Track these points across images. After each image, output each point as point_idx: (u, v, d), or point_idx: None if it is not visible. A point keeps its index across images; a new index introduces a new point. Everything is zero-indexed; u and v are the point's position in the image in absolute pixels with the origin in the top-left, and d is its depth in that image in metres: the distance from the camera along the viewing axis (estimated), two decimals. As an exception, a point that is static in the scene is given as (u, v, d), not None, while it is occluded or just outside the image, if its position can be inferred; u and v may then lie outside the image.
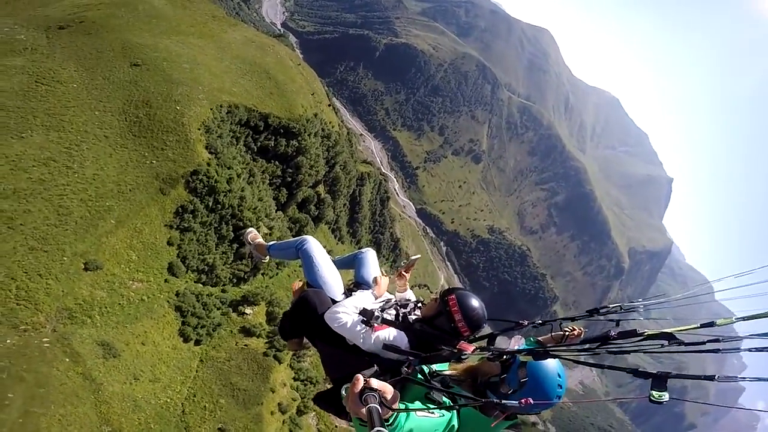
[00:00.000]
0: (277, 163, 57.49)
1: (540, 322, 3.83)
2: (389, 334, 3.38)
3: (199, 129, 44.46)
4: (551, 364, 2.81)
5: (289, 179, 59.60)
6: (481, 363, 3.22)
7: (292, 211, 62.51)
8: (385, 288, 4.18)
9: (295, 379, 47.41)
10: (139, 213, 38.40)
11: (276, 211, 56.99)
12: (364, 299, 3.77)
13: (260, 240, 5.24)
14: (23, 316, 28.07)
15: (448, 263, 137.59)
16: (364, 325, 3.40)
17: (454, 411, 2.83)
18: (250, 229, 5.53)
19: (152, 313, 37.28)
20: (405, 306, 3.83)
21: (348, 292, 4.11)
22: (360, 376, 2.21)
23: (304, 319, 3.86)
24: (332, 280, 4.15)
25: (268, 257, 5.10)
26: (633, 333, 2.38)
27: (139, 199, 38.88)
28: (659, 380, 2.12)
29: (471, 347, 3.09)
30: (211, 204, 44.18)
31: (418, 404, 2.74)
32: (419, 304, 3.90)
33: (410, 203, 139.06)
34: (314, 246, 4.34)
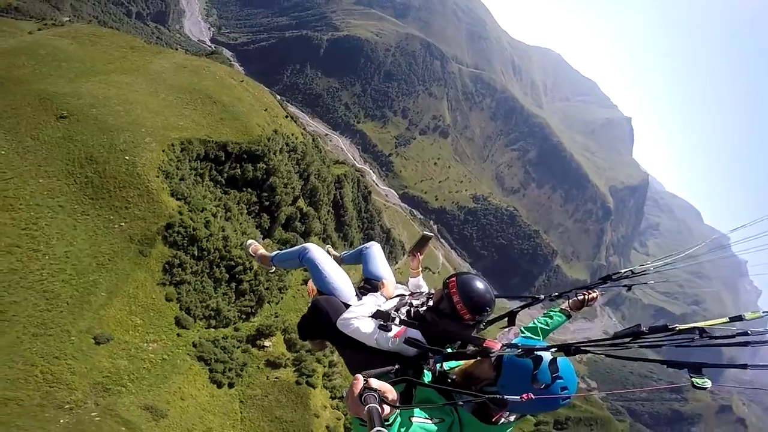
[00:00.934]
0: (249, 190, 53.06)
1: (556, 294, 3.84)
2: (407, 332, 3.22)
3: (158, 176, 39.80)
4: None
5: (267, 203, 55.27)
6: (475, 366, 2.90)
7: (278, 233, 58.29)
8: (393, 288, 4.00)
9: (332, 398, 45.31)
10: (127, 280, 35.29)
11: (264, 239, 52.76)
12: (374, 302, 3.65)
13: (262, 251, 5.17)
14: (61, 396, 27.83)
15: (443, 240, 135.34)
16: (379, 329, 3.25)
17: (456, 418, 2.65)
18: (250, 241, 5.37)
19: (178, 369, 35.64)
20: (417, 298, 3.76)
21: (359, 294, 4.02)
22: (360, 376, 2.13)
23: (319, 326, 3.74)
24: (342, 284, 3.99)
25: (273, 267, 5.02)
26: (664, 328, 2.34)
27: (122, 267, 35.46)
28: (694, 368, 2.09)
29: (498, 344, 2.81)
30: (196, 253, 40.26)
31: (417, 409, 2.52)
32: (430, 296, 3.72)
33: (392, 191, 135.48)
34: (317, 253, 4.19)
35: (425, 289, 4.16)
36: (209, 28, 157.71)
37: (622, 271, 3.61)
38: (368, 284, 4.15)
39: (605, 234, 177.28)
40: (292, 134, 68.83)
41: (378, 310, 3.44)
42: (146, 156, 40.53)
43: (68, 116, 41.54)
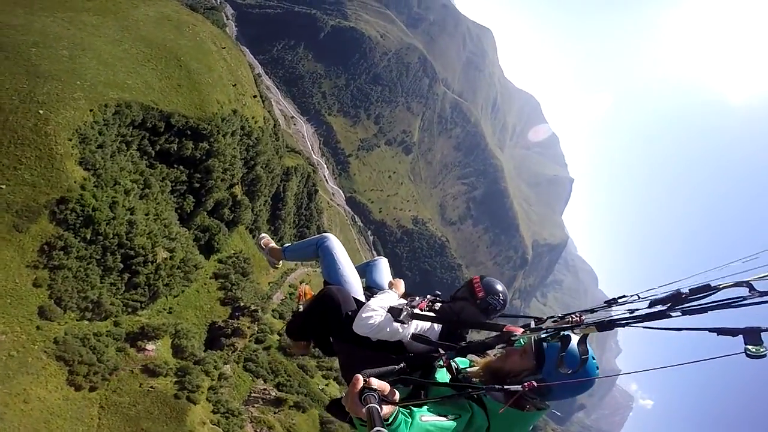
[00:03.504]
0: (181, 168, 47.83)
1: (560, 316, 3.18)
2: (423, 326, 3.15)
3: (70, 139, 34.17)
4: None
5: (197, 185, 50.26)
6: (503, 360, 2.69)
7: (200, 218, 53.34)
8: (402, 288, 3.81)
9: (214, 412, 39.87)
10: None
11: (180, 226, 47.55)
12: (389, 298, 3.37)
13: (273, 244, 4.81)
14: None
15: (374, 252, 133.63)
16: (396, 323, 3.06)
17: (481, 411, 2.41)
18: (263, 234, 5.13)
19: (27, 368, 29.48)
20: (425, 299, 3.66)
21: (367, 296, 3.74)
22: (359, 376, 2.01)
23: (326, 317, 3.39)
24: (354, 279, 3.78)
25: (281, 262, 4.69)
26: (706, 288, 1.92)
27: None
28: (752, 335, 1.73)
29: (520, 329, 2.66)
30: (89, 236, 34.53)
31: (425, 409, 2.31)
32: (438, 297, 3.72)
33: (340, 191, 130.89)
34: (336, 244, 3.96)
35: None
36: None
37: (628, 295, 2.95)
38: (368, 291, 3.89)
39: (516, 280, 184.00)
40: (252, 117, 63.60)
41: (391, 306, 3.15)
42: (66, 114, 34.78)
43: (-1, 51, 34.68)
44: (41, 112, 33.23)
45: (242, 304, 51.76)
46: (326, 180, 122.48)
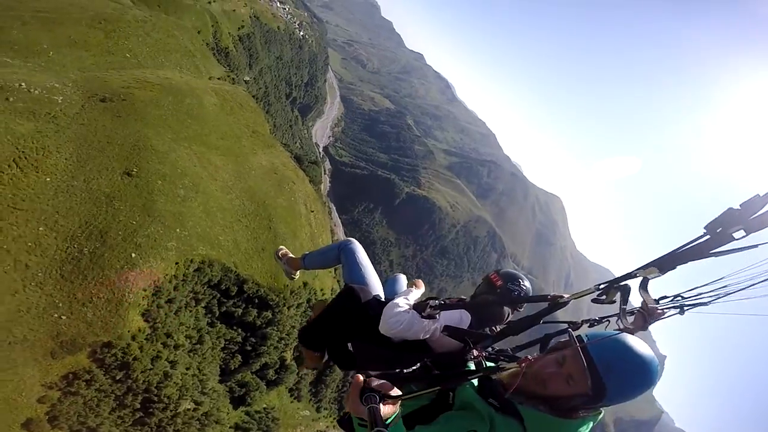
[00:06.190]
0: (240, 330, 46.48)
1: (597, 319, 2.89)
2: (451, 317, 2.95)
3: (144, 290, 34.37)
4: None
5: (249, 348, 47.95)
6: (537, 382, 2.22)
7: (242, 375, 49.69)
8: (423, 287, 3.61)
9: None
10: (5, 372, 27.79)
11: (217, 381, 44.46)
12: (413, 295, 3.23)
13: (291, 255, 4.73)
14: None
15: None
16: (423, 319, 2.86)
17: (507, 421, 2.14)
18: (281, 246, 5.08)
19: None
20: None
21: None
22: (359, 375, 2.05)
23: (347, 314, 3.23)
24: (375, 283, 3.62)
25: (298, 273, 4.62)
26: (756, 199, 1.57)
27: (13, 356, 28.13)
28: None
29: (566, 294, 2.42)
30: (119, 377, 32.67)
31: (429, 427, 2.17)
32: (463, 299, 3.39)
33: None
34: (359, 249, 3.84)
35: None
36: (329, 137, 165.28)
37: (669, 295, 2.33)
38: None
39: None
40: (321, 289, 63.41)
41: (416, 303, 3.01)
42: (153, 263, 35.91)
43: (134, 176, 38.57)
44: (133, 255, 34.50)
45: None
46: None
